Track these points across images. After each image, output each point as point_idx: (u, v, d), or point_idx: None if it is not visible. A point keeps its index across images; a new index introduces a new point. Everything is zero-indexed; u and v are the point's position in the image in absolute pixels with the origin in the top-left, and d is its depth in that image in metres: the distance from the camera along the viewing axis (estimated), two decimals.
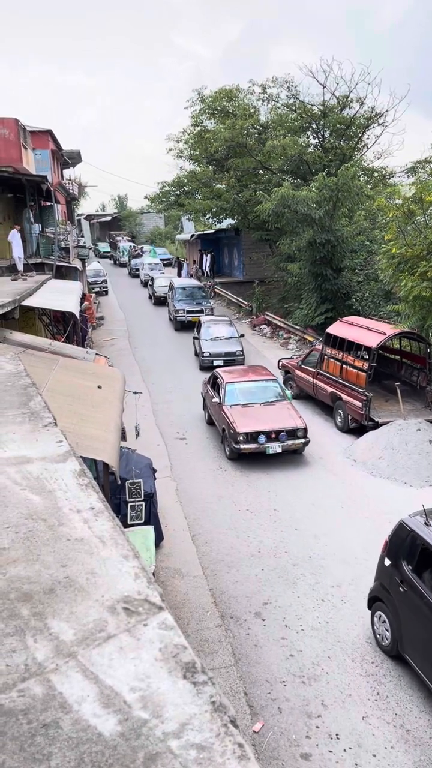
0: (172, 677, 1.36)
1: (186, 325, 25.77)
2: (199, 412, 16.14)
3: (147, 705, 1.29)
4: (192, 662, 1.40)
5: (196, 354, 21.50)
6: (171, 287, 28.64)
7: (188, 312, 26.33)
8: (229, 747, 1.17)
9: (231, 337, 20.79)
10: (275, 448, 12.49)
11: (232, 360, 19.64)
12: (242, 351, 20.17)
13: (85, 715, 1.27)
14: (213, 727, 1.22)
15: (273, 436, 12.52)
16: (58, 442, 2.97)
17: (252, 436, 12.42)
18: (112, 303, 35.09)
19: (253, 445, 12.41)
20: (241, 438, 12.36)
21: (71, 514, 2.20)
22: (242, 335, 21.40)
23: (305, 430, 12.72)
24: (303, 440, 12.70)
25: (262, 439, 12.42)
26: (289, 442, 12.56)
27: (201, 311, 25.92)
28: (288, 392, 14.14)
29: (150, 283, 34.97)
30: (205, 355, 20.08)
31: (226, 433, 12.85)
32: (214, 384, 14.68)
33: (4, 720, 1.26)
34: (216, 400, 13.77)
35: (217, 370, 15.06)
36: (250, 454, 12.61)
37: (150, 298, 34.47)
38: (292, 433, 12.59)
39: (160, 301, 31.86)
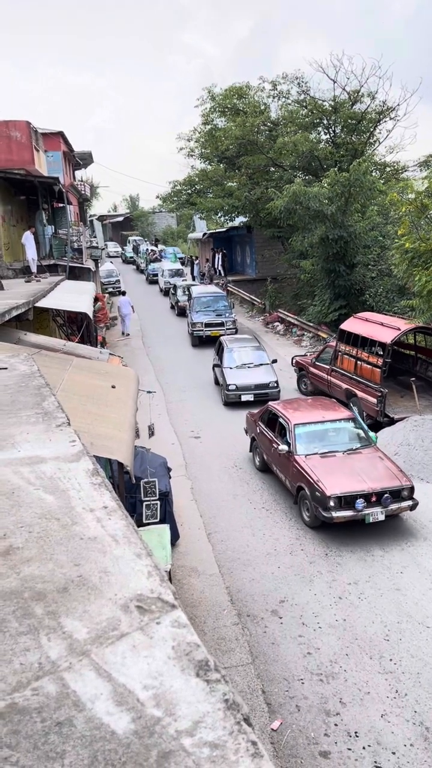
0: (185, 675, 1.35)
1: (205, 341, 22.78)
2: (213, 412, 16.15)
3: (160, 703, 1.29)
4: (205, 660, 1.39)
5: (217, 383, 17.85)
6: (189, 296, 25.73)
7: (207, 325, 23.14)
8: (242, 745, 1.17)
9: (262, 364, 16.84)
10: (377, 515, 9.44)
11: (265, 394, 15.80)
12: (277, 382, 16.26)
13: (98, 714, 1.27)
14: (226, 725, 1.21)
15: (373, 499, 9.48)
16: (72, 442, 2.98)
17: (346, 501, 9.38)
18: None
19: (348, 513, 9.34)
20: (333, 503, 9.31)
21: (84, 513, 2.21)
22: (275, 360, 17.36)
23: (412, 489, 9.71)
24: (410, 503, 9.68)
25: (359, 504, 9.36)
26: (394, 506, 9.54)
27: (222, 324, 23.02)
28: (372, 434, 11.20)
29: (172, 291, 31.67)
30: (230, 388, 16.08)
31: (306, 494, 9.84)
32: (271, 422, 11.69)
33: (18, 718, 1.27)
34: (282, 447, 10.63)
35: (272, 404, 12.11)
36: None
37: (172, 308, 31.34)
38: (395, 494, 9.60)
39: (183, 312, 28.00)
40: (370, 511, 9.40)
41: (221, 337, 18.82)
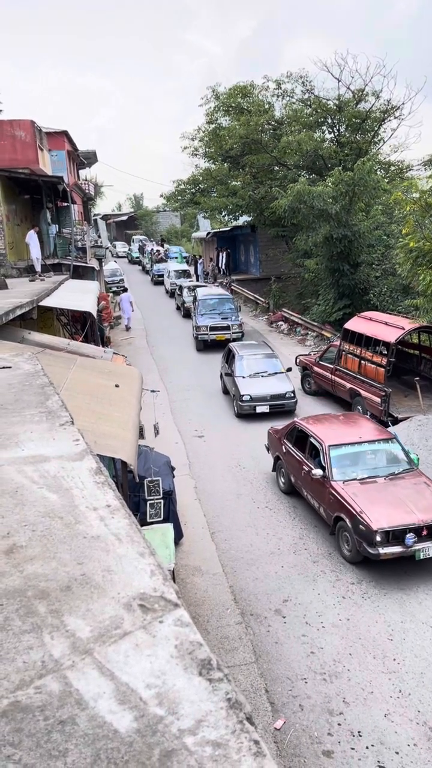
0: (187, 674, 1.35)
1: (210, 345, 22.09)
2: (217, 411, 16.13)
3: (162, 702, 1.29)
4: (208, 659, 1.39)
5: (226, 392, 17.00)
6: (194, 299, 24.76)
7: (212, 329, 22.29)
8: (244, 744, 1.17)
9: (276, 372, 15.92)
10: (428, 550, 8.46)
11: (281, 405, 15.11)
12: (294, 392, 15.40)
13: (101, 712, 1.27)
14: (228, 724, 1.21)
15: (425, 532, 8.49)
16: (75, 441, 2.98)
17: (395, 535, 8.41)
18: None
19: (397, 549, 8.35)
20: (380, 538, 8.32)
21: (88, 511, 2.21)
22: (290, 369, 16.44)
23: None
24: None
25: (410, 539, 8.34)
26: None
27: (227, 328, 22.30)
28: (413, 455, 10.27)
29: (178, 292, 31.06)
30: (244, 399, 15.03)
31: (347, 526, 8.84)
32: (299, 441, 10.76)
33: (22, 716, 1.27)
34: (317, 472, 9.60)
35: (299, 421, 11.10)
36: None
37: (178, 309, 30.83)
38: None
39: (189, 313, 26.62)
40: (422, 547, 8.41)
41: (230, 344, 17.88)
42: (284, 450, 11.15)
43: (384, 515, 8.55)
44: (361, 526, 8.50)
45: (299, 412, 14.89)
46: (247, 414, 15.16)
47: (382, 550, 8.31)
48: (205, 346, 22.39)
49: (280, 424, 12.15)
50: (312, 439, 10.28)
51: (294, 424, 11.13)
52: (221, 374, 17.49)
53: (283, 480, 11.32)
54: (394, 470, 9.64)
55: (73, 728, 1.23)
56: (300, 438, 10.76)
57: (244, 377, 15.60)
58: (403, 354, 15.90)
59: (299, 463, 10.45)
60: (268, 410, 14.97)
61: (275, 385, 15.41)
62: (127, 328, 27.18)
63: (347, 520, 8.83)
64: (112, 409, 6.34)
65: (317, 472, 9.61)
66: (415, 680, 6.69)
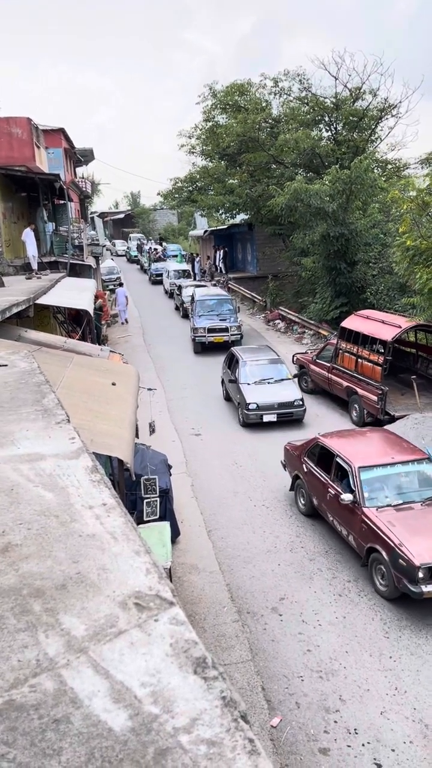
0: (182, 672, 1.35)
1: (208, 347, 21.54)
2: (214, 410, 16.12)
3: (157, 700, 1.28)
4: (203, 657, 1.39)
5: (227, 398, 16.41)
6: (192, 299, 23.99)
7: (209, 331, 21.64)
8: (239, 742, 1.17)
9: (283, 379, 15.20)
10: None
11: (290, 413, 14.36)
12: (302, 400, 14.60)
13: (95, 710, 1.27)
14: (223, 722, 1.21)
15: None
16: (71, 439, 2.97)
17: None
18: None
19: None
20: (423, 574, 7.45)
21: (83, 510, 2.21)
22: (296, 375, 16.22)
23: None
24: None
25: None
26: None
27: (226, 330, 21.68)
28: None
29: (177, 292, 30.36)
30: (250, 407, 14.22)
31: (382, 559, 7.97)
32: (323, 460, 9.85)
33: (16, 715, 1.27)
34: (347, 497, 8.67)
35: (321, 438, 10.10)
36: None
37: (177, 309, 30.22)
38: None
39: (188, 314, 25.55)
40: None
41: (233, 348, 17.05)
42: (305, 469, 10.22)
43: (427, 548, 7.69)
44: (400, 560, 7.65)
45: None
46: (254, 423, 14.43)
47: (426, 588, 7.45)
48: (203, 348, 21.82)
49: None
50: (338, 459, 9.36)
51: (316, 441, 10.20)
52: (222, 380, 16.80)
53: (303, 501, 10.39)
54: (430, 494, 8.80)
55: (68, 727, 1.23)
56: (323, 456, 9.87)
57: (249, 384, 14.81)
58: (400, 352, 15.95)
59: (323, 486, 9.56)
60: (275, 419, 14.31)
61: (282, 393, 14.67)
62: (125, 321, 28.11)
63: (383, 553, 7.96)
64: (108, 408, 6.33)
65: (347, 496, 8.69)
66: (411, 678, 6.71)
